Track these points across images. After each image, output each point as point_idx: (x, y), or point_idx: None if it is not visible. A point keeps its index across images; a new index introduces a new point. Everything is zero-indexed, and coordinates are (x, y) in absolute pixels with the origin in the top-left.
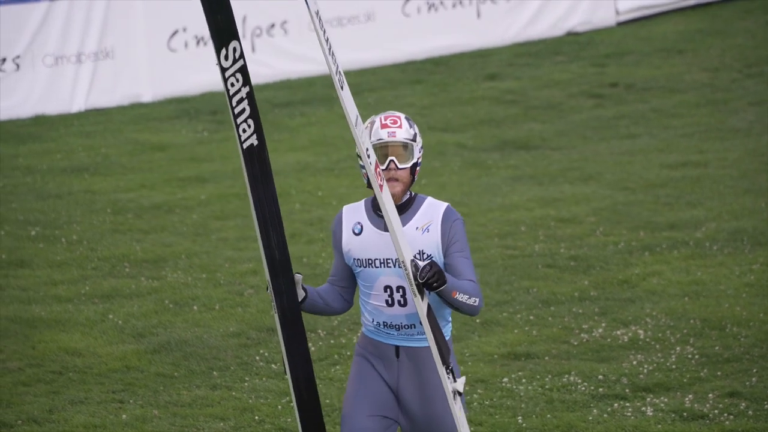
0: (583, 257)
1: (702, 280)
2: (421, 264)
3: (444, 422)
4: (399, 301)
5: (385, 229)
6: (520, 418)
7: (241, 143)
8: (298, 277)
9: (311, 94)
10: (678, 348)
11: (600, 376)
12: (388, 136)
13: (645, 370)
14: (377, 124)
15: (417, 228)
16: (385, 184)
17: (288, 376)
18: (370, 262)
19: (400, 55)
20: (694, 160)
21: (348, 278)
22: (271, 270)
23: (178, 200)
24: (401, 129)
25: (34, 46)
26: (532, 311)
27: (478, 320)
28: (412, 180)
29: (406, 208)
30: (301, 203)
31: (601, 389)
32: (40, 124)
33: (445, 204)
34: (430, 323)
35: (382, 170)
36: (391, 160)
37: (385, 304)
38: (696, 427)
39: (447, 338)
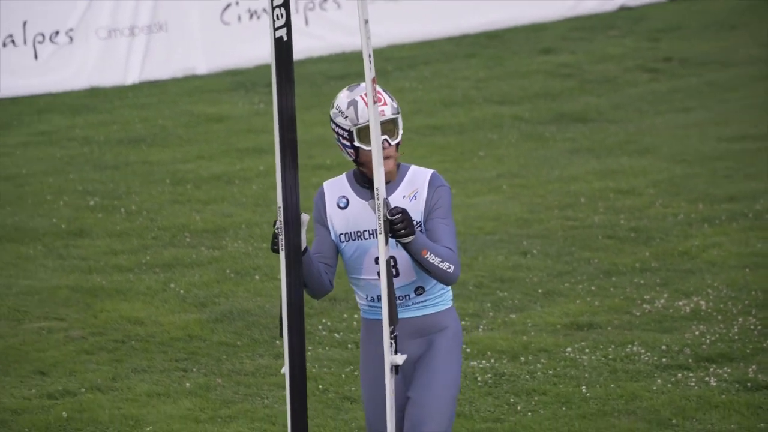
0: (643, 229)
1: (762, 252)
2: (394, 208)
3: (443, 395)
4: (392, 273)
5: (372, 197)
6: (583, 387)
7: (274, 30)
8: (305, 217)
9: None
10: (740, 319)
11: (663, 347)
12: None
13: (707, 341)
14: (361, 104)
15: (404, 197)
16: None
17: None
18: (359, 234)
19: (454, 29)
20: (751, 133)
21: (332, 256)
22: (284, 194)
23: (236, 171)
24: (386, 105)
25: (87, 19)
26: (593, 282)
27: (540, 290)
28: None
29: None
30: None
31: (664, 359)
32: (95, 96)
33: (431, 170)
34: (387, 278)
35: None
36: (384, 139)
37: (377, 276)
38: (761, 398)
39: (447, 307)
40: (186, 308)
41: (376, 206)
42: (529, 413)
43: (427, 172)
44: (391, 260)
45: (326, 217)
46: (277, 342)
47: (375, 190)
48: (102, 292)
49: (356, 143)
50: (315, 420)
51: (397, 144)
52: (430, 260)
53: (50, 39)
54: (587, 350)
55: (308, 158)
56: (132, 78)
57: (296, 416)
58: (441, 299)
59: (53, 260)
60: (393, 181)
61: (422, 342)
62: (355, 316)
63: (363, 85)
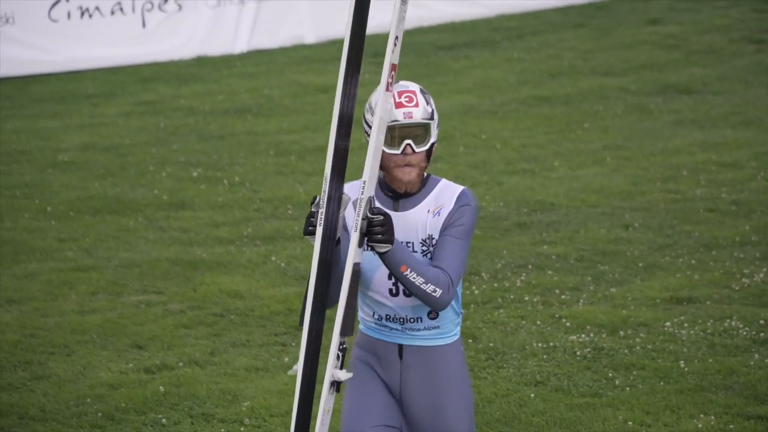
0: (745, 202)
1: None
2: (377, 208)
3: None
4: (404, 291)
5: (395, 209)
6: (682, 362)
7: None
8: (346, 197)
9: (474, 36)
10: None
11: (761, 321)
12: (404, 117)
13: None
14: (390, 101)
15: (429, 211)
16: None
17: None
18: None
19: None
20: None
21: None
22: (335, 160)
23: None
24: (418, 108)
25: None
26: (693, 255)
27: (640, 264)
28: (428, 162)
29: (416, 189)
30: (464, 146)
31: (762, 334)
32: (202, 65)
33: (462, 187)
34: (351, 281)
35: (395, 155)
36: (407, 144)
37: (388, 294)
38: None
39: (456, 338)
40: (286, 281)
41: (359, 201)
42: (627, 388)
43: (457, 189)
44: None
45: (346, 224)
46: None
47: (362, 183)
48: (202, 265)
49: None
50: None
51: (428, 153)
52: (410, 278)
53: (159, 7)
54: (686, 324)
55: None
56: (240, 47)
57: (301, 418)
58: (453, 330)
59: (154, 232)
60: (416, 193)
61: (432, 372)
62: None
63: (402, 83)
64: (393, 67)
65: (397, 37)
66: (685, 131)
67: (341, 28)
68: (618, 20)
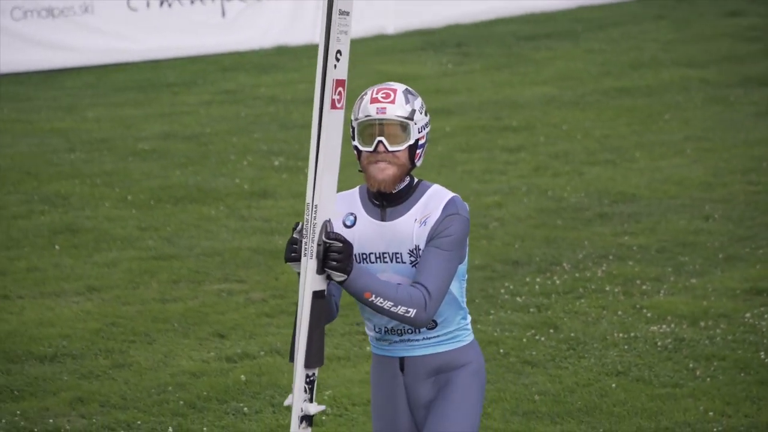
0: None
1: None
2: (335, 233)
3: None
4: None
5: (383, 219)
6: (762, 353)
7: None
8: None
9: (555, 27)
10: None
11: None
12: (377, 113)
13: None
14: (367, 97)
15: (416, 220)
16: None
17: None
18: (364, 256)
19: None
20: None
21: (333, 284)
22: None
23: None
24: (394, 105)
25: None
26: None
27: (720, 255)
28: (412, 164)
29: (405, 196)
30: (545, 136)
31: None
32: (282, 54)
33: (451, 194)
34: (312, 312)
35: (369, 152)
36: (379, 141)
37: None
38: None
39: (466, 342)
40: None
41: (310, 223)
42: (708, 378)
43: (446, 196)
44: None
45: None
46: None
47: (307, 205)
48: (284, 254)
49: (354, 141)
50: (495, 384)
51: (411, 155)
52: (377, 303)
53: None
54: (766, 316)
55: (495, 119)
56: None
57: None
58: (459, 334)
59: (235, 221)
60: (404, 201)
61: (437, 380)
62: (538, 279)
63: (388, 83)
64: (338, 83)
65: (339, 52)
66: (765, 123)
67: (422, 18)
68: (698, 12)
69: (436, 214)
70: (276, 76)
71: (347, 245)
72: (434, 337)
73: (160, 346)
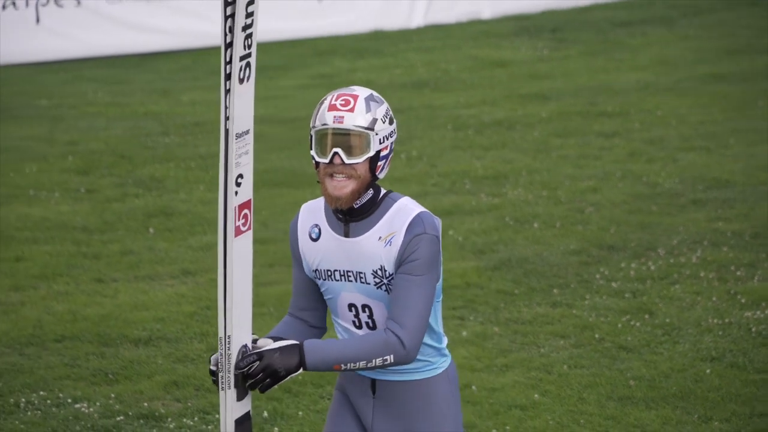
0: None
1: None
2: (250, 351)
3: None
4: (367, 323)
5: (346, 235)
6: None
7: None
8: (263, 342)
9: (651, 13)
10: None
11: None
12: (334, 122)
13: None
14: (326, 103)
15: (380, 238)
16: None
17: None
18: (329, 273)
19: None
20: None
21: (312, 296)
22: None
23: (518, 117)
24: (353, 113)
25: None
26: None
27: None
28: (373, 177)
29: (368, 211)
30: (640, 122)
31: None
32: (379, 39)
33: (418, 210)
34: None
35: (325, 164)
36: (336, 153)
37: (352, 326)
38: None
39: (439, 371)
40: (464, 255)
41: (224, 356)
42: None
43: (411, 213)
44: (366, 310)
45: (299, 249)
46: (555, 290)
47: (220, 339)
48: None
49: (312, 151)
50: (590, 369)
51: (372, 167)
52: (351, 368)
53: None
54: None
55: (590, 105)
56: (417, 21)
57: None
58: (431, 361)
59: None
60: (368, 215)
61: (407, 418)
62: (632, 265)
63: (351, 87)
64: (242, 207)
65: (240, 176)
66: None
67: (518, 3)
68: None
69: (401, 234)
70: (371, 60)
71: (267, 356)
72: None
73: (255, 329)
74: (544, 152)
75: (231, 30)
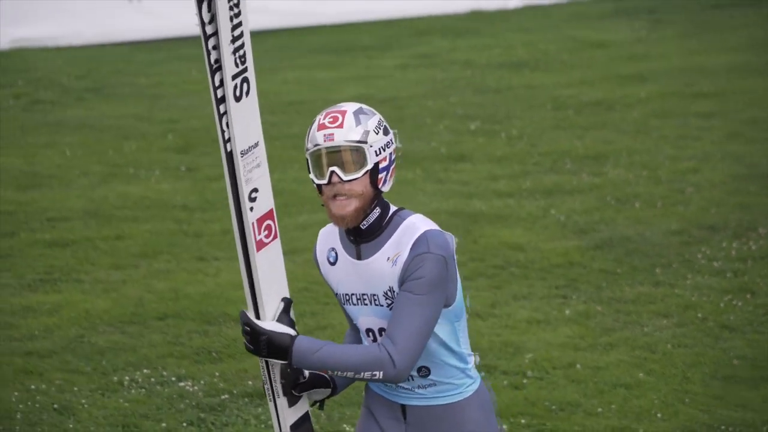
0: None
1: None
2: (252, 323)
3: None
4: None
5: (358, 257)
6: None
7: None
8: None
9: None
10: None
11: None
12: (325, 140)
13: None
14: (315, 124)
15: (388, 258)
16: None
17: None
18: (347, 297)
19: None
20: None
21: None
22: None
23: (617, 98)
24: (341, 129)
25: None
26: None
27: None
28: (377, 192)
29: (377, 231)
30: (737, 103)
31: None
32: (477, 19)
33: (425, 228)
34: None
35: (325, 185)
36: (332, 172)
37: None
38: None
39: (467, 395)
40: (566, 235)
41: (261, 365)
42: None
43: (417, 232)
44: (383, 334)
45: (322, 274)
46: (657, 270)
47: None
48: (482, 217)
49: (311, 174)
50: (693, 349)
51: (374, 181)
52: (342, 375)
53: None
54: None
55: (687, 86)
56: (515, 2)
57: None
58: (456, 384)
59: (432, 185)
60: (378, 235)
61: None
62: (734, 245)
63: (339, 104)
64: (262, 219)
65: (255, 190)
66: None
67: None
68: None
69: (405, 253)
70: (471, 40)
71: (253, 328)
72: (431, 386)
73: None
74: (643, 133)
75: (216, 48)
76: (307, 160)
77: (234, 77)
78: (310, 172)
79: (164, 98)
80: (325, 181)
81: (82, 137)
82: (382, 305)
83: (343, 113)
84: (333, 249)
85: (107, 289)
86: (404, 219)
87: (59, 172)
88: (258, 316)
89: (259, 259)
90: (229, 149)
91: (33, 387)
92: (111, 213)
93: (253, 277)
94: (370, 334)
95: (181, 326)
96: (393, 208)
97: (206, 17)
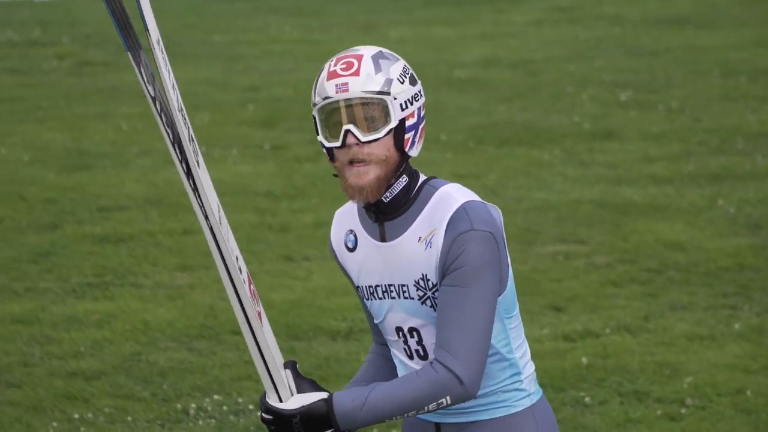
0: None
1: None
2: (272, 408)
3: None
4: (417, 352)
5: (382, 238)
6: None
7: None
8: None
9: None
10: None
11: None
12: (337, 92)
13: None
14: (323, 73)
15: (420, 239)
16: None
17: None
18: (371, 291)
19: None
20: None
21: None
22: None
23: None
24: (358, 77)
25: None
26: None
27: None
28: (403, 157)
29: (403, 204)
30: None
31: None
32: None
33: (463, 199)
34: None
35: (338, 149)
36: (347, 131)
37: (405, 355)
38: None
39: (519, 409)
40: (736, 231)
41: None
42: None
43: (453, 204)
44: (414, 335)
45: (341, 265)
46: None
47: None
48: (633, 208)
49: (319, 136)
50: None
51: (398, 142)
52: (402, 417)
53: None
54: None
55: None
56: None
57: None
58: (506, 397)
59: (574, 168)
60: (404, 210)
61: None
62: None
63: (355, 48)
64: (253, 293)
65: (237, 257)
66: None
67: None
68: None
69: (441, 232)
70: None
71: (277, 415)
72: (473, 401)
73: None
74: None
75: (168, 123)
76: (314, 118)
77: (190, 139)
78: (318, 134)
79: (243, 60)
80: (338, 144)
81: (141, 107)
82: (412, 298)
83: (359, 57)
84: (351, 231)
85: (171, 295)
86: (437, 189)
87: (113, 150)
88: (281, 398)
89: (266, 332)
90: (210, 226)
91: (76, 416)
92: (177, 201)
93: (264, 355)
94: (400, 333)
95: None
96: (422, 177)
97: (147, 77)
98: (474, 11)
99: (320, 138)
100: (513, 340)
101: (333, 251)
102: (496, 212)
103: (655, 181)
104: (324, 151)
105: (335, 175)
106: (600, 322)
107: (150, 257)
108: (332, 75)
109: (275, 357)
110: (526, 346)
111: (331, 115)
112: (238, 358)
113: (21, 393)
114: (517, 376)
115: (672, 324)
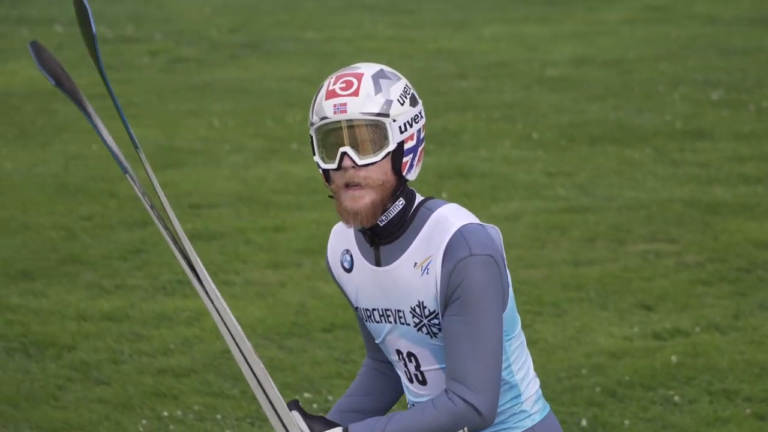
0: None
1: None
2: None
3: None
4: (416, 376)
5: (377, 263)
6: None
7: None
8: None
9: None
10: None
11: None
12: (335, 112)
13: None
14: (323, 91)
15: (416, 264)
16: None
17: None
18: (368, 313)
19: None
20: None
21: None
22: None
23: None
24: (357, 98)
25: None
26: None
27: None
28: (400, 180)
29: (398, 228)
30: None
31: None
32: None
33: (459, 223)
34: None
35: (334, 171)
36: (344, 154)
37: (404, 376)
38: None
39: (525, 428)
40: None
41: None
42: None
43: (450, 229)
44: (412, 359)
45: (337, 282)
46: None
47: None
48: (724, 208)
49: (315, 157)
50: None
51: (396, 165)
52: None
53: None
54: None
55: None
56: None
57: None
58: (502, 419)
59: (665, 167)
60: (399, 234)
61: None
62: None
63: (355, 65)
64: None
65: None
66: None
67: None
68: None
69: (438, 259)
70: None
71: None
72: None
73: (572, 319)
74: None
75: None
76: (311, 137)
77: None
78: (314, 154)
79: (337, 57)
80: (334, 166)
81: (233, 104)
82: (408, 324)
83: (360, 77)
84: (348, 251)
85: (262, 293)
86: (432, 211)
87: (205, 147)
88: None
89: (264, 373)
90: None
91: (165, 414)
92: (269, 198)
93: (270, 397)
94: (399, 356)
95: (352, 340)
96: (419, 198)
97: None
98: (567, 9)
99: (316, 159)
100: (514, 363)
101: (330, 269)
102: (495, 232)
103: (746, 180)
104: (320, 172)
105: (330, 197)
106: (690, 320)
107: (241, 255)
108: (331, 94)
109: (282, 402)
110: (529, 363)
111: (328, 135)
112: (329, 356)
113: (110, 390)
114: (516, 399)
115: (761, 323)
